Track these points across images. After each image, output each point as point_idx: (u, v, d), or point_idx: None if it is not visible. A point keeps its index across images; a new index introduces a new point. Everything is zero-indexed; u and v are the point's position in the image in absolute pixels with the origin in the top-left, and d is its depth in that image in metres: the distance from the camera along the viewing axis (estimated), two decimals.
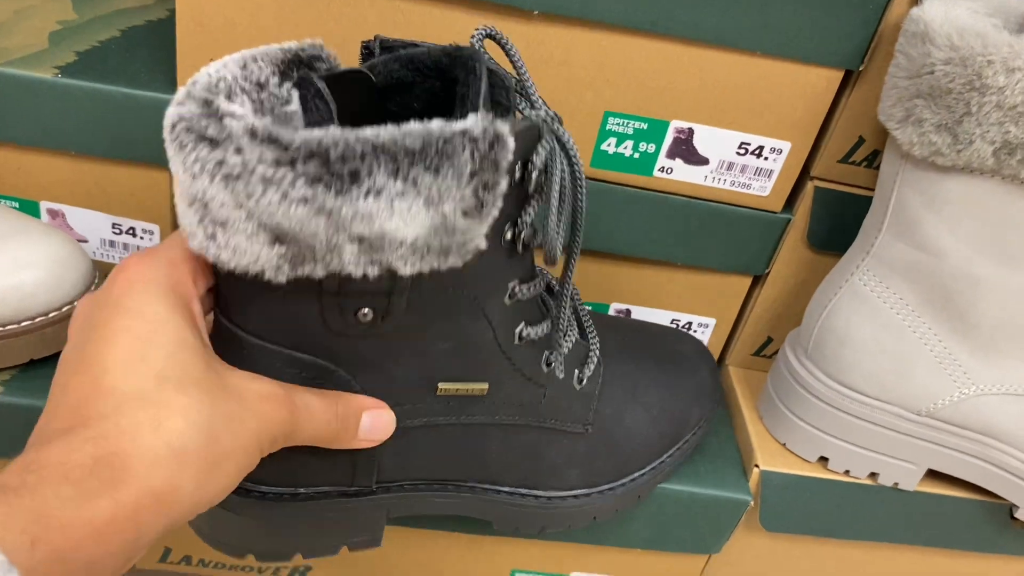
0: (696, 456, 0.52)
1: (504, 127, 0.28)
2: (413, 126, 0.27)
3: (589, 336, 0.43)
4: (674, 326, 0.57)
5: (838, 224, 0.52)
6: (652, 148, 0.49)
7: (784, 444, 0.54)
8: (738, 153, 0.49)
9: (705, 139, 0.48)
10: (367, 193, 0.27)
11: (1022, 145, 0.41)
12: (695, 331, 0.57)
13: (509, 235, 0.34)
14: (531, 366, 0.39)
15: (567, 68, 0.46)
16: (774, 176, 0.50)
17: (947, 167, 0.43)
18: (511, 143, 0.28)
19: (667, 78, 0.46)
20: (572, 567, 0.55)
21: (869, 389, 0.50)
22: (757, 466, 0.52)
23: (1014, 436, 0.50)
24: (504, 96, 0.33)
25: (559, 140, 0.33)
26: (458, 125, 0.27)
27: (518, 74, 0.35)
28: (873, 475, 0.53)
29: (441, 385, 0.36)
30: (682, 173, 0.50)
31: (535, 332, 0.38)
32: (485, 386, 0.37)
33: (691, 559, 0.54)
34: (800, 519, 0.53)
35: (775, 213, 0.52)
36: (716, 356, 0.59)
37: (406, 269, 0.29)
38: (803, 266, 0.54)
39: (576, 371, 0.42)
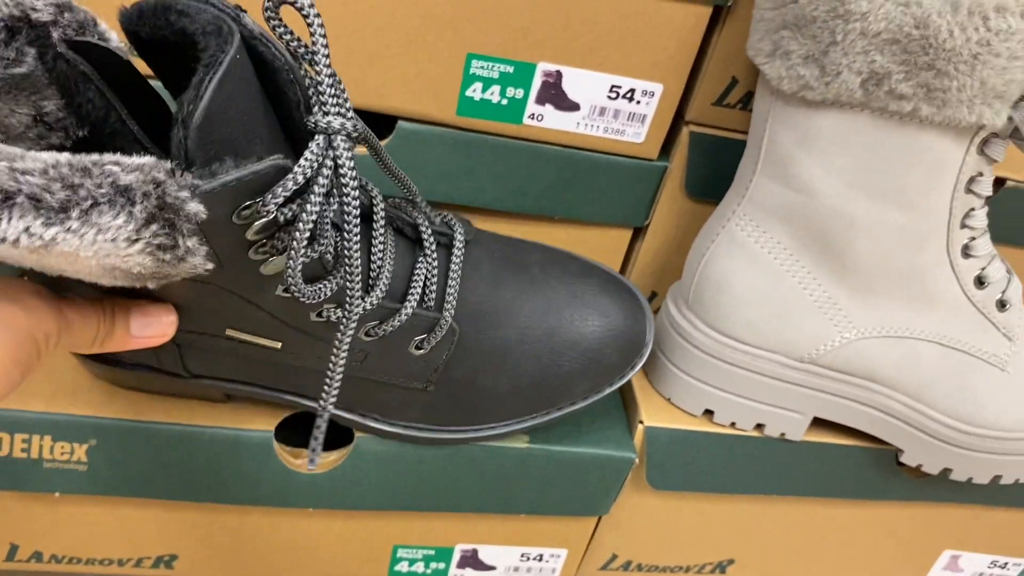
0: (579, 414, 0.50)
1: (183, 191, 0.25)
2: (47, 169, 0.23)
3: (445, 308, 0.40)
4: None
5: (715, 170, 0.50)
6: (520, 93, 0.46)
7: (669, 399, 0.52)
8: (609, 97, 0.47)
9: (575, 82, 0.46)
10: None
11: (889, 75, 0.40)
12: None
13: (263, 252, 0.31)
14: (329, 335, 0.38)
15: (426, 6, 0.43)
16: (648, 121, 0.48)
17: (817, 102, 0.42)
18: (193, 209, 0.25)
19: (532, 17, 0.44)
20: (456, 539, 0.52)
21: (750, 337, 0.49)
22: (641, 422, 0.50)
23: (896, 379, 0.49)
24: (290, 87, 0.30)
25: (336, 162, 0.29)
26: (107, 175, 0.24)
27: (310, 50, 0.30)
28: (759, 426, 0.52)
29: (228, 331, 0.36)
30: (553, 120, 0.47)
31: (331, 313, 0.36)
32: (278, 344, 0.37)
33: (579, 522, 0.53)
34: (688, 475, 0.52)
35: (651, 161, 0.50)
36: None
37: (119, 283, 0.28)
38: (683, 216, 0.53)
39: (417, 339, 0.40)
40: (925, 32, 0.38)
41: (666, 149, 0.51)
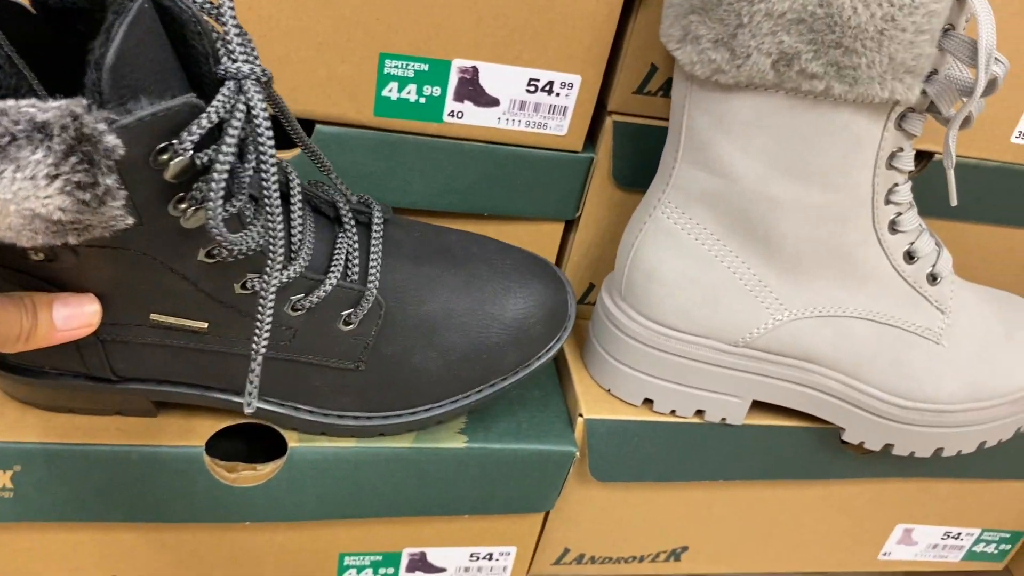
0: (518, 410, 0.50)
1: (99, 123, 0.25)
2: None
3: (369, 281, 0.40)
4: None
5: (641, 159, 0.50)
6: (438, 91, 0.46)
7: (609, 390, 0.52)
8: (528, 91, 0.46)
9: (492, 78, 0.46)
10: None
11: (798, 55, 0.39)
12: None
13: (182, 208, 0.31)
14: (255, 310, 0.38)
15: (334, 7, 0.42)
16: (569, 113, 0.48)
17: (731, 85, 0.42)
18: (111, 143, 0.25)
19: (444, 14, 0.43)
20: (403, 543, 0.52)
21: (682, 324, 0.48)
22: (581, 415, 0.50)
23: (832, 359, 0.49)
24: (198, 39, 0.30)
25: (249, 106, 0.29)
26: (23, 114, 0.24)
27: (215, 5, 0.31)
28: (699, 413, 0.51)
29: (153, 316, 0.36)
30: (473, 116, 0.47)
31: (255, 283, 0.36)
32: (204, 325, 0.37)
33: (526, 519, 0.52)
34: (632, 466, 0.52)
35: (576, 153, 0.50)
36: None
37: (39, 240, 0.26)
38: (614, 206, 0.52)
39: (344, 314, 0.40)
40: (829, 10, 0.38)
41: (592, 140, 0.50)
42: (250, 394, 0.35)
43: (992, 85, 0.41)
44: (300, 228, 0.39)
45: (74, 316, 0.34)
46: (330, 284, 0.39)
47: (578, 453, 0.49)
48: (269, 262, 0.33)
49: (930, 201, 0.54)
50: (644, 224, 0.48)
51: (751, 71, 0.40)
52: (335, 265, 0.39)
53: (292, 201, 0.38)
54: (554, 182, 0.50)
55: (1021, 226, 0.57)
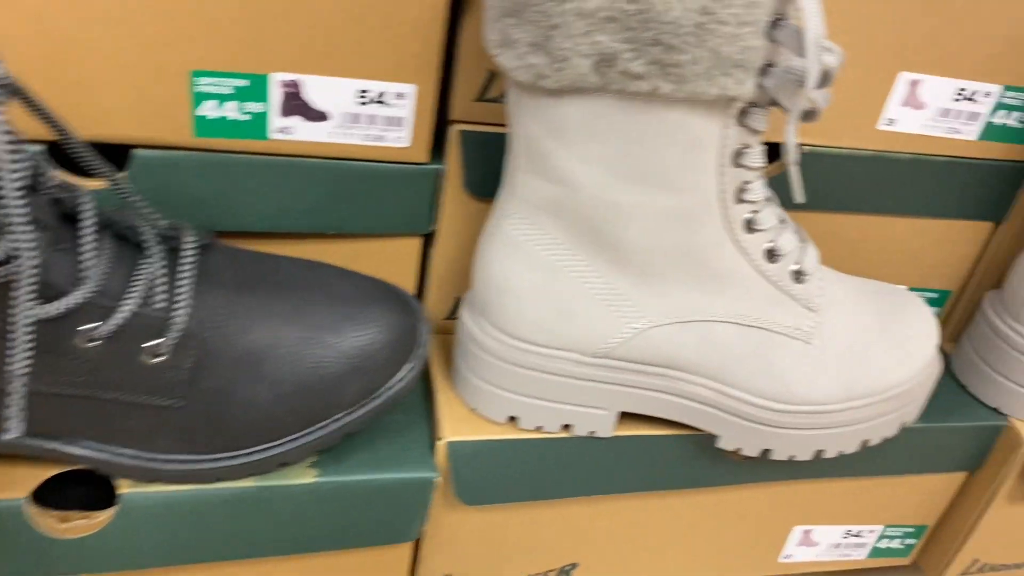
0: (377, 437, 0.48)
1: None
2: None
3: (176, 309, 0.38)
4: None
5: (492, 168, 0.48)
6: (261, 107, 0.43)
7: (474, 410, 0.50)
8: (359, 103, 0.44)
9: (317, 91, 0.43)
10: None
11: (618, 55, 0.38)
12: None
13: None
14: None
15: (135, 27, 0.39)
16: (407, 124, 0.45)
17: (558, 90, 0.40)
18: None
19: (256, 27, 0.41)
20: None
21: (539, 337, 0.46)
22: (440, 438, 0.48)
23: (697, 365, 0.48)
24: None
25: None
26: None
27: None
28: (567, 427, 0.50)
29: None
30: (304, 132, 0.44)
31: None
32: None
33: (392, 550, 0.50)
34: (500, 486, 0.50)
35: (422, 164, 0.47)
36: None
37: None
38: (471, 218, 0.50)
39: (149, 344, 0.37)
40: (641, 6, 0.36)
41: (440, 151, 0.48)
42: (8, 419, 0.32)
43: (827, 76, 0.40)
44: (93, 254, 0.36)
45: None
46: (127, 311, 0.36)
47: (438, 479, 0.47)
48: (14, 282, 0.30)
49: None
50: (493, 236, 0.46)
51: (573, 74, 0.38)
52: (132, 290, 0.37)
53: (81, 225, 0.36)
54: (402, 196, 0.48)
55: (893, 214, 0.56)
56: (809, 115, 0.44)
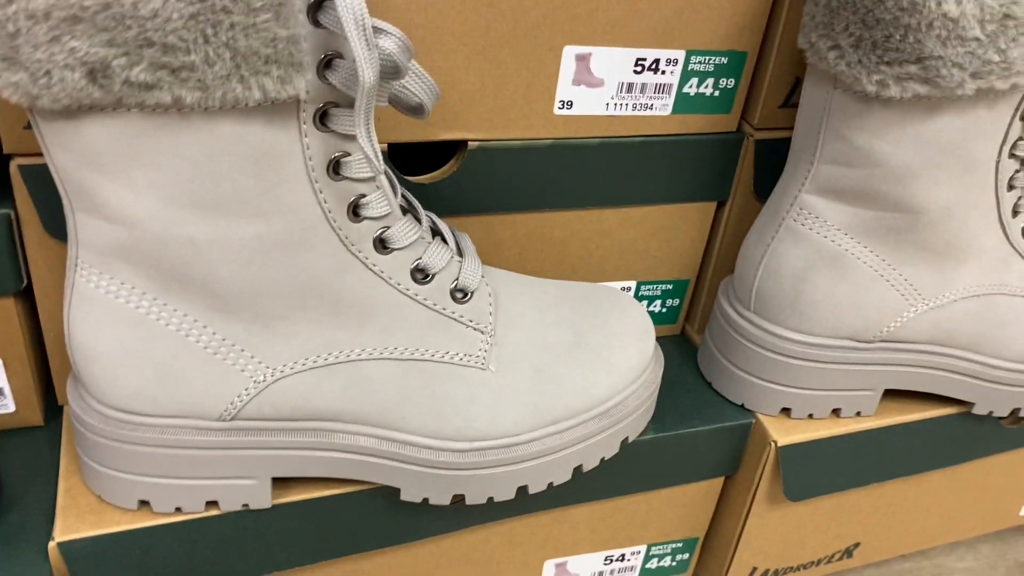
0: None
1: None
2: None
3: None
4: None
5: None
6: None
7: (100, 496, 0.42)
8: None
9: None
10: None
11: (110, 63, 0.30)
12: None
13: None
14: None
15: None
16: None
17: (74, 110, 0.32)
18: None
19: None
20: None
21: (143, 406, 0.39)
22: (53, 539, 0.39)
23: (351, 412, 0.41)
24: None
25: None
26: None
27: None
28: (212, 504, 0.42)
29: None
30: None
31: None
32: None
33: None
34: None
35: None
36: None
37: None
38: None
39: None
40: (102, 1, 0.28)
41: (7, 195, 0.40)
42: None
43: (394, 66, 0.33)
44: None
45: None
46: None
47: None
48: None
49: (472, 195, 0.46)
50: (68, 294, 0.38)
51: (69, 91, 0.30)
52: None
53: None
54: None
55: (598, 206, 0.50)
56: (417, 111, 0.37)
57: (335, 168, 0.36)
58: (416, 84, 0.35)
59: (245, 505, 0.42)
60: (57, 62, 0.30)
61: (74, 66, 0.30)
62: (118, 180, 0.34)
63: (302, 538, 0.44)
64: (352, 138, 0.36)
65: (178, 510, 0.41)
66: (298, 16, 0.31)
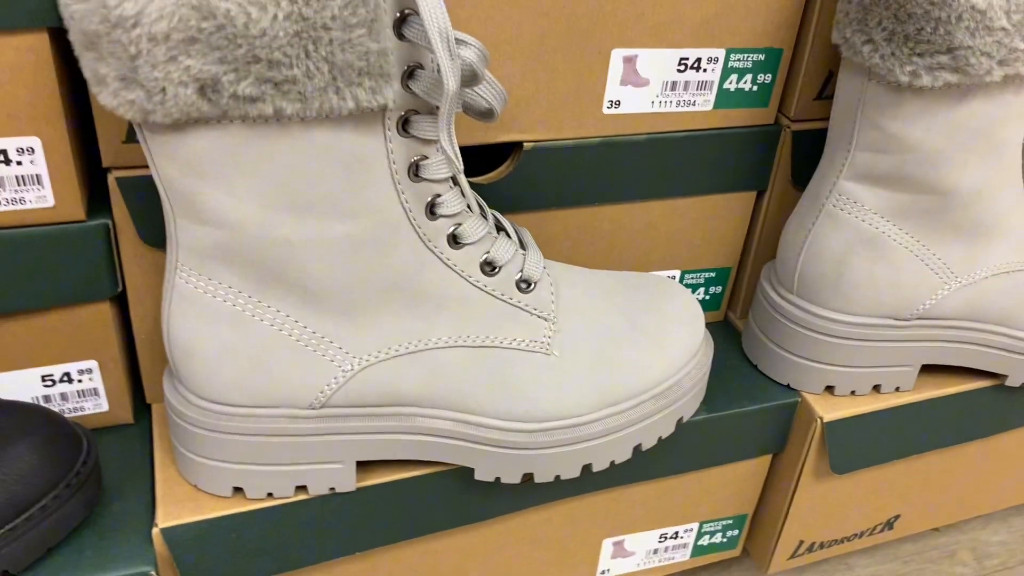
0: (87, 534, 0.42)
1: None
2: None
3: None
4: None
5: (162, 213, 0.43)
6: None
7: (196, 486, 0.45)
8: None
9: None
10: None
11: (220, 79, 0.33)
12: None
13: None
14: None
15: None
16: (46, 180, 0.40)
17: (180, 124, 0.35)
18: None
19: None
20: None
21: (242, 398, 0.42)
22: (156, 525, 0.42)
23: (429, 397, 0.44)
24: None
25: None
26: None
27: None
28: (302, 488, 0.45)
29: None
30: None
31: None
32: None
33: None
34: (239, 566, 0.45)
35: (81, 223, 0.42)
36: None
37: None
38: (161, 272, 0.45)
39: None
40: (218, 22, 0.31)
41: (106, 204, 0.43)
42: None
43: (473, 73, 0.36)
44: None
45: None
46: None
47: (153, 573, 0.41)
48: None
49: (525, 193, 0.49)
50: (167, 293, 0.41)
51: (181, 106, 0.33)
52: None
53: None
54: (65, 263, 0.42)
55: (645, 199, 0.53)
56: (486, 115, 0.40)
57: (415, 170, 0.39)
58: (488, 90, 0.38)
59: (332, 489, 0.45)
60: (172, 80, 0.32)
61: (187, 83, 0.33)
62: (220, 187, 0.37)
63: (383, 519, 0.47)
64: (429, 142, 0.39)
65: (269, 495, 0.44)
66: (387, 31, 0.34)
